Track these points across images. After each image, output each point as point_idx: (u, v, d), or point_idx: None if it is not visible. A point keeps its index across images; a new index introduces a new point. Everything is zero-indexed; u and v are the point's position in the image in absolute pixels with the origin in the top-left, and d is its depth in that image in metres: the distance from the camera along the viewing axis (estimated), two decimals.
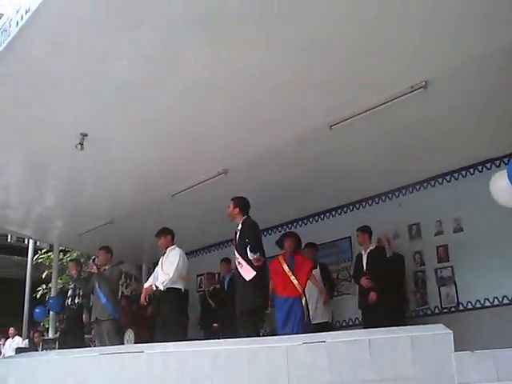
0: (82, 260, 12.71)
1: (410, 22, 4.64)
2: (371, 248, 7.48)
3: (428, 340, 3.98)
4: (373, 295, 6.99)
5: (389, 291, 6.98)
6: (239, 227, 6.28)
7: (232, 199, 6.43)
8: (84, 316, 8.87)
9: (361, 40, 4.87)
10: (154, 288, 7.05)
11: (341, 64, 5.19)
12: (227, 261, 9.44)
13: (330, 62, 5.16)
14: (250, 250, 5.84)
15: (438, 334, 3.97)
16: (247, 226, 6.23)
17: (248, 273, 5.88)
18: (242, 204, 6.37)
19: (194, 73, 5.29)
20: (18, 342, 13.03)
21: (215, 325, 9.12)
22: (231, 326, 8.52)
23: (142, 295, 7.16)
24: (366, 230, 7.54)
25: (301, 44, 4.90)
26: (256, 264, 5.88)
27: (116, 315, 7.90)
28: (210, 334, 8.95)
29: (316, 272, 7.78)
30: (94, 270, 8.11)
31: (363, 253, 7.58)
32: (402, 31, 4.76)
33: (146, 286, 7.32)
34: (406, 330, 4.53)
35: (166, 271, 7.05)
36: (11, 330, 13.64)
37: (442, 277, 7.62)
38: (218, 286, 9.69)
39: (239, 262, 6.03)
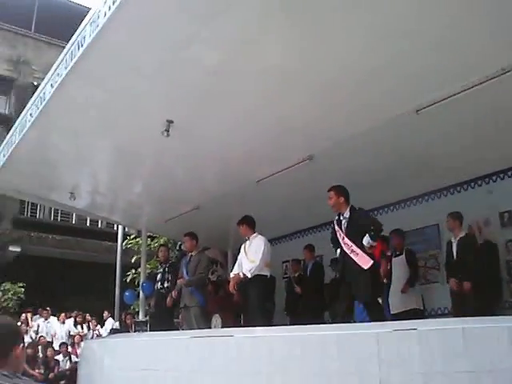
0: (169, 245, 13.06)
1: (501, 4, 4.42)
2: (461, 236, 7.24)
3: None
4: (467, 284, 6.75)
5: (481, 280, 6.74)
6: (346, 215, 6.12)
7: (332, 188, 6.24)
8: (168, 299, 9.06)
9: (447, 24, 4.70)
10: (242, 276, 7.09)
11: (428, 48, 5.02)
12: (311, 248, 9.43)
13: (416, 47, 5.02)
14: (372, 238, 5.77)
15: None
16: (359, 214, 6.11)
17: (365, 262, 5.74)
18: (345, 192, 6.20)
19: (274, 61, 5.27)
20: (111, 323, 13.59)
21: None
22: (314, 312, 8.61)
23: (231, 283, 7.21)
24: (457, 216, 7.28)
25: (385, 31, 4.80)
26: (369, 251, 5.84)
27: (202, 302, 8.03)
28: (296, 320, 8.96)
29: (401, 259, 7.66)
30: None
31: (453, 240, 7.34)
32: (492, 13, 4.55)
33: (232, 274, 7.38)
34: (502, 319, 4.35)
35: (252, 259, 7.08)
36: (105, 313, 14.24)
37: None
38: (302, 273, 9.69)
39: (353, 251, 5.85)
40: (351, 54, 5.18)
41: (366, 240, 5.78)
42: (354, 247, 5.84)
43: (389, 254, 7.91)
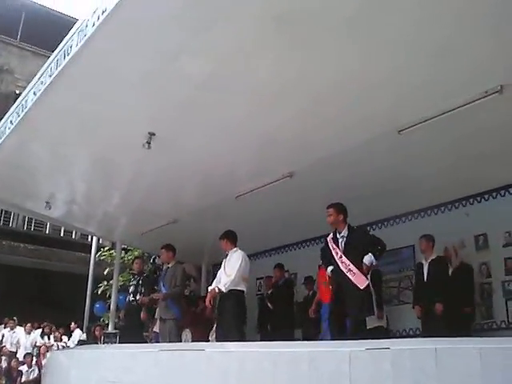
0: (144, 258, 12.97)
1: (485, 25, 4.52)
2: (433, 258, 7.31)
3: (499, 353, 3.83)
4: (439, 306, 6.79)
5: (453, 303, 6.79)
6: (344, 234, 6.16)
7: (333, 206, 6.28)
8: (142, 314, 9.00)
9: (434, 44, 4.76)
10: (217, 290, 7.06)
11: (412, 67, 5.09)
12: (280, 266, 9.47)
13: (400, 65, 5.07)
14: (376, 257, 5.85)
15: (509, 348, 3.82)
16: (360, 233, 6.20)
17: (362, 281, 5.77)
18: (345, 210, 6.27)
19: (264, 75, 5.30)
20: (78, 335, 13.41)
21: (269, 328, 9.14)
22: (283, 330, 8.61)
23: (207, 298, 7.20)
24: (430, 239, 7.37)
25: (372, 52, 4.88)
26: (366, 271, 5.87)
27: (178, 315, 7.98)
28: (265, 337, 8.95)
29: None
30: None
31: (424, 262, 7.42)
32: (478, 35, 4.63)
33: (209, 288, 7.34)
34: (475, 341, 4.38)
35: (229, 273, 7.07)
36: (72, 324, 14.05)
37: (510, 290, 7.36)
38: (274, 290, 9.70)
39: (350, 270, 5.86)
40: (337, 73, 5.23)
41: (369, 259, 5.83)
42: (352, 266, 5.87)
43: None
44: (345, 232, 6.17)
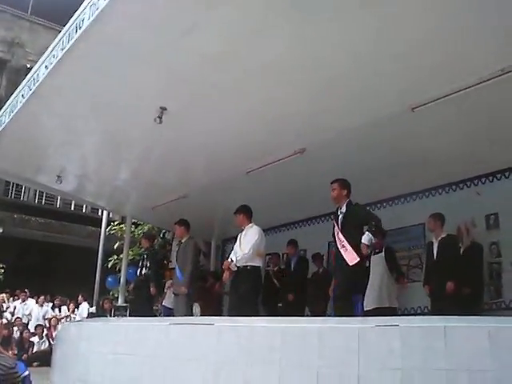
0: (153, 232, 13.06)
1: (503, 3, 4.43)
2: (442, 236, 7.30)
3: (508, 332, 3.85)
4: (450, 285, 6.79)
5: (463, 282, 6.80)
6: (343, 210, 6.17)
7: (337, 181, 6.29)
8: (152, 288, 9.08)
9: (449, 20, 4.69)
10: (230, 261, 7.09)
11: (426, 45, 5.02)
12: (294, 243, 9.46)
13: (414, 42, 5.00)
14: (373, 235, 5.83)
15: None
16: (356, 209, 6.16)
17: (352, 258, 5.77)
18: (349, 186, 6.27)
19: (274, 50, 5.23)
20: (85, 308, 13.54)
21: (279, 305, 9.18)
22: (296, 306, 8.67)
23: (225, 274, 7.22)
24: (438, 217, 7.35)
25: (384, 29, 4.82)
26: (364, 251, 5.85)
27: (189, 289, 8.05)
28: (272, 313, 9.00)
29: (380, 256, 7.73)
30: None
31: (434, 241, 7.42)
32: (494, 13, 4.55)
33: (225, 263, 7.35)
34: (484, 319, 4.39)
35: (243, 248, 7.07)
36: (80, 297, 14.19)
37: None
38: (282, 267, 9.73)
39: (343, 246, 5.90)
40: (350, 50, 5.17)
41: (367, 238, 5.81)
42: (345, 242, 5.89)
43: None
44: (344, 208, 6.19)
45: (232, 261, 7.06)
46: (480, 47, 5.03)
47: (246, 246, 7.03)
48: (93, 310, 12.55)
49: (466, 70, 5.39)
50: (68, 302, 14.62)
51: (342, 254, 5.90)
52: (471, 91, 5.58)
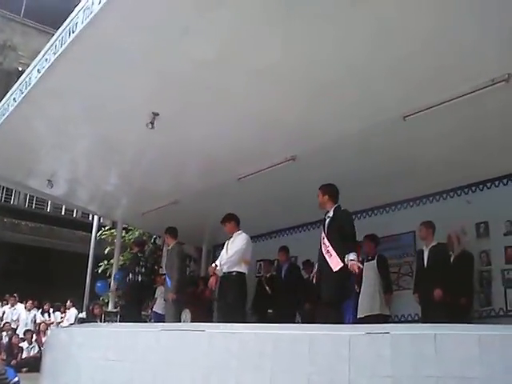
0: (144, 238, 13.05)
1: (493, 13, 4.47)
2: (433, 244, 7.33)
3: (497, 340, 3.87)
4: (438, 292, 6.81)
5: (453, 290, 6.82)
6: (330, 215, 6.15)
7: (320, 187, 6.27)
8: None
9: (441, 29, 4.73)
10: (214, 266, 7.16)
11: (418, 53, 5.05)
12: (285, 250, 9.46)
13: (406, 49, 5.02)
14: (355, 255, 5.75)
15: (507, 335, 3.85)
16: (342, 216, 6.10)
17: (336, 264, 5.75)
18: (330, 191, 6.22)
19: (270, 57, 5.25)
20: (73, 313, 13.47)
21: (270, 311, 9.17)
22: (286, 313, 8.66)
23: (211, 280, 7.25)
24: (430, 225, 7.38)
25: (375, 30, 4.81)
26: (356, 270, 5.73)
27: (176, 295, 8.05)
28: (262, 320, 8.99)
29: (372, 264, 7.74)
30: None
31: (424, 249, 7.44)
32: (485, 23, 4.60)
33: (209, 268, 7.38)
34: (474, 327, 4.42)
35: (229, 253, 7.11)
36: (68, 302, 14.11)
37: (510, 278, 7.38)
38: (274, 274, 9.73)
39: (328, 251, 5.88)
40: (343, 57, 5.21)
41: (353, 256, 5.72)
42: (330, 248, 5.86)
43: (360, 259, 7.96)
44: (330, 213, 6.17)
45: (217, 266, 7.10)
46: (471, 58, 5.08)
47: (231, 252, 7.08)
48: (83, 315, 12.51)
49: (457, 80, 5.43)
50: (62, 307, 14.52)
51: (326, 260, 5.87)
52: (462, 101, 5.62)
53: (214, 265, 7.22)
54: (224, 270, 7.03)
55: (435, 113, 5.89)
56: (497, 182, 7.76)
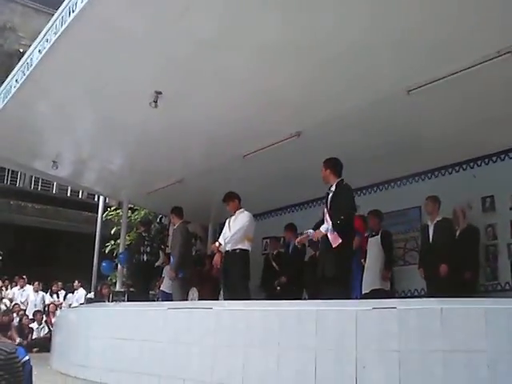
0: (150, 217, 13.07)
1: None
2: (438, 219, 7.30)
3: (503, 314, 3.88)
4: (443, 268, 6.79)
5: (459, 264, 6.82)
6: (332, 189, 6.08)
7: (323, 162, 6.20)
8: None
9: (445, 2, 4.67)
10: (217, 244, 7.19)
11: (422, 27, 5.00)
12: (292, 227, 9.45)
13: (410, 21, 4.97)
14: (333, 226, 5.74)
15: None
16: (342, 191, 6.02)
17: (335, 240, 5.70)
18: (332, 165, 6.14)
19: (271, 34, 5.22)
20: (82, 294, 13.56)
21: (278, 288, 9.20)
22: (294, 289, 8.69)
23: (216, 258, 7.28)
24: (436, 200, 7.33)
25: (377, 2, 4.76)
26: (314, 237, 5.87)
27: (180, 273, 8.09)
28: (271, 296, 9.03)
29: (376, 239, 7.72)
30: None
31: (429, 224, 7.41)
32: None
33: (212, 246, 7.42)
34: (480, 301, 4.42)
35: (232, 231, 7.14)
36: (76, 283, 14.20)
37: None
38: (282, 251, 9.74)
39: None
40: (346, 30, 5.15)
41: (325, 227, 5.76)
42: (330, 223, 5.81)
43: (365, 234, 7.95)
44: (333, 188, 6.10)
45: (220, 244, 7.12)
46: (476, 29, 5.00)
47: (234, 229, 7.10)
48: (91, 295, 12.60)
49: (462, 53, 5.37)
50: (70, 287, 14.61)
51: (326, 236, 5.84)
52: (467, 73, 5.56)
53: (217, 243, 7.24)
54: (227, 248, 7.05)
55: (440, 86, 5.83)
56: (502, 156, 7.70)
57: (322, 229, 5.83)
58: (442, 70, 5.66)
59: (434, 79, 5.79)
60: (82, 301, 12.70)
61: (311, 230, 6.15)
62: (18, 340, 11.12)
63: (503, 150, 7.66)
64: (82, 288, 13.92)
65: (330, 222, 5.78)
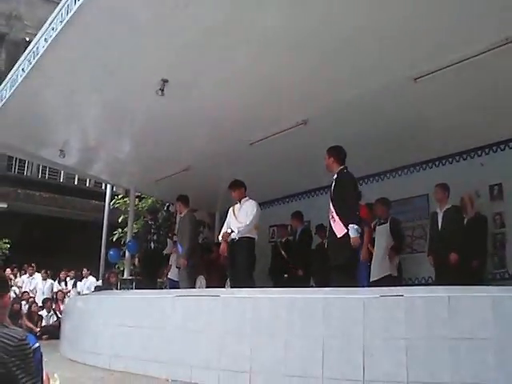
0: (157, 205, 13.10)
1: None
2: (447, 207, 7.27)
3: (510, 301, 3.88)
4: (453, 256, 6.76)
5: (467, 253, 6.81)
6: (335, 177, 6.03)
7: (327, 149, 6.14)
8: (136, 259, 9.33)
9: None
10: (229, 232, 7.11)
11: (429, 14, 4.95)
12: (298, 215, 9.46)
13: (417, 11, 4.93)
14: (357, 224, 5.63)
15: None
16: (344, 179, 5.94)
17: (340, 230, 5.65)
18: (335, 153, 6.07)
19: (277, 22, 5.20)
20: (92, 281, 13.64)
21: (286, 275, 9.24)
22: (301, 277, 8.72)
23: (222, 246, 7.24)
24: (445, 188, 7.30)
25: None
26: (355, 244, 5.61)
27: (191, 263, 8.10)
28: (279, 284, 9.06)
29: (385, 227, 7.69)
30: None
31: (439, 211, 7.37)
32: None
33: (220, 235, 7.37)
34: (487, 289, 4.43)
35: (243, 220, 7.09)
36: (84, 271, 14.28)
37: None
38: (290, 238, 9.76)
39: (332, 216, 5.79)
40: (351, 16, 5.10)
41: (353, 231, 5.55)
42: (334, 213, 5.78)
43: (373, 223, 7.91)
44: (335, 176, 6.04)
45: (232, 231, 7.07)
46: (483, 16, 4.96)
47: (247, 218, 7.05)
48: (99, 283, 12.66)
49: (469, 40, 5.33)
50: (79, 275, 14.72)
51: (331, 225, 5.81)
52: (474, 61, 5.53)
53: (229, 231, 7.15)
54: (239, 236, 7.00)
55: (447, 74, 5.81)
56: (510, 144, 7.67)
57: (353, 234, 5.57)
58: (449, 58, 5.62)
59: (441, 67, 5.75)
60: (93, 289, 12.78)
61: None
62: (32, 327, 11.29)
63: (511, 138, 7.62)
64: (91, 276, 14.00)
65: (336, 215, 5.74)
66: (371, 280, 7.43)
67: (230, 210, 7.47)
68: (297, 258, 9.08)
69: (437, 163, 8.54)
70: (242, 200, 7.36)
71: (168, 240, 10.21)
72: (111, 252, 11.58)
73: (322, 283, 8.21)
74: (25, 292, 13.27)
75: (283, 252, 9.56)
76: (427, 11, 4.91)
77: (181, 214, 8.64)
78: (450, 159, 8.38)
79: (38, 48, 6.28)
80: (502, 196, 7.70)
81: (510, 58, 5.44)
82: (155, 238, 9.67)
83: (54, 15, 5.80)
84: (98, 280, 13.26)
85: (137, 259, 10.05)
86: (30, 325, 11.52)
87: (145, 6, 5.11)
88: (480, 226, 7.32)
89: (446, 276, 6.76)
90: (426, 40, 5.39)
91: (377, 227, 7.74)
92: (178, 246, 8.33)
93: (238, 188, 7.42)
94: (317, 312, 4.59)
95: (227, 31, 5.41)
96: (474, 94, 6.37)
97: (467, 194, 7.45)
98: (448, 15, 4.95)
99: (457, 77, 5.90)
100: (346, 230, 5.61)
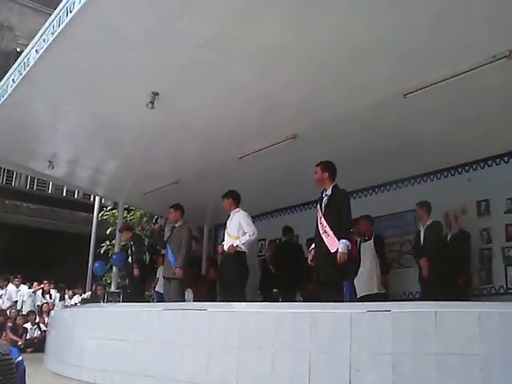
0: (144, 219, 13.07)
1: None
2: (428, 223, 7.37)
3: (497, 317, 3.89)
4: (423, 262, 7.00)
5: (450, 268, 6.86)
6: (328, 193, 5.99)
7: (320, 164, 6.11)
8: (134, 271, 9.21)
9: (442, 7, 4.68)
10: (235, 246, 6.96)
11: (417, 31, 5.01)
12: (289, 229, 9.45)
13: (406, 28, 4.99)
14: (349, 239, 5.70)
15: (507, 312, 3.87)
16: (340, 196, 5.94)
17: (333, 245, 5.63)
18: (331, 168, 6.06)
19: (267, 37, 5.23)
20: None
21: (275, 290, 9.21)
22: (291, 291, 8.70)
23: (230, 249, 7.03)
24: (424, 205, 7.42)
25: (378, 11, 4.78)
26: (341, 260, 5.58)
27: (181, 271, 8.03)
28: (268, 299, 9.04)
29: (369, 244, 7.73)
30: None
31: (421, 228, 7.50)
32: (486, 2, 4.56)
33: (225, 248, 7.18)
34: (474, 305, 4.44)
35: (233, 234, 7.08)
36: (70, 292, 14.20)
37: (510, 256, 7.42)
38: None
39: (325, 231, 5.75)
40: (342, 33, 5.15)
41: (343, 246, 5.57)
42: (327, 228, 5.75)
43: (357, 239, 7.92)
44: (329, 191, 6.00)
45: (237, 246, 6.97)
46: (473, 34, 5.03)
47: (249, 229, 7.02)
48: (86, 295, 12.57)
49: (458, 57, 5.39)
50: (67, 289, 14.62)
51: (323, 241, 5.77)
52: (463, 78, 5.58)
53: (234, 244, 6.97)
54: (243, 248, 6.99)
55: (435, 90, 5.85)
56: (498, 160, 7.76)
57: (342, 249, 5.59)
58: (438, 74, 5.67)
59: (430, 83, 5.80)
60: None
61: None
62: (16, 339, 11.18)
63: (498, 154, 7.73)
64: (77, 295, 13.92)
65: (330, 230, 5.74)
66: (358, 295, 7.46)
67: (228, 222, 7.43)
68: (285, 271, 9.05)
69: (425, 178, 8.59)
70: (233, 211, 7.31)
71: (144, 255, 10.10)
72: (96, 264, 11.52)
73: (309, 298, 8.23)
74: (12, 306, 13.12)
75: (271, 267, 9.55)
76: (417, 29, 4.98)
77: (175, 223, 8.50)
78: (438, 174, 8.43)
79: (28, 59, 6.28)
80: (488, 211, 7.76)
81: (497, 75, 5.51)
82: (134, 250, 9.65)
83: (45, 26, 5.80)
84: (84, 293, 13.18)
85: (137, 270, 9.86)
86: (14, 337, 11.40)
87: (137, 19, 5.12)
88: (462, 243, 7.36)
89: (432, 291, 6.80)
90: (415, 56, 5.43)
91: (362, 244, 7.79)
92: (169, 254, 8.17)
93: (227, 198, 7.39)
94: (304, 326, 4.57)
95: (219, 46, 5.44)
96: (462, 110, 6.44)
97: (452, 211, 7.51)
98: (437, 33, 5.02)
99: (445, 93, 5.95)
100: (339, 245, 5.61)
